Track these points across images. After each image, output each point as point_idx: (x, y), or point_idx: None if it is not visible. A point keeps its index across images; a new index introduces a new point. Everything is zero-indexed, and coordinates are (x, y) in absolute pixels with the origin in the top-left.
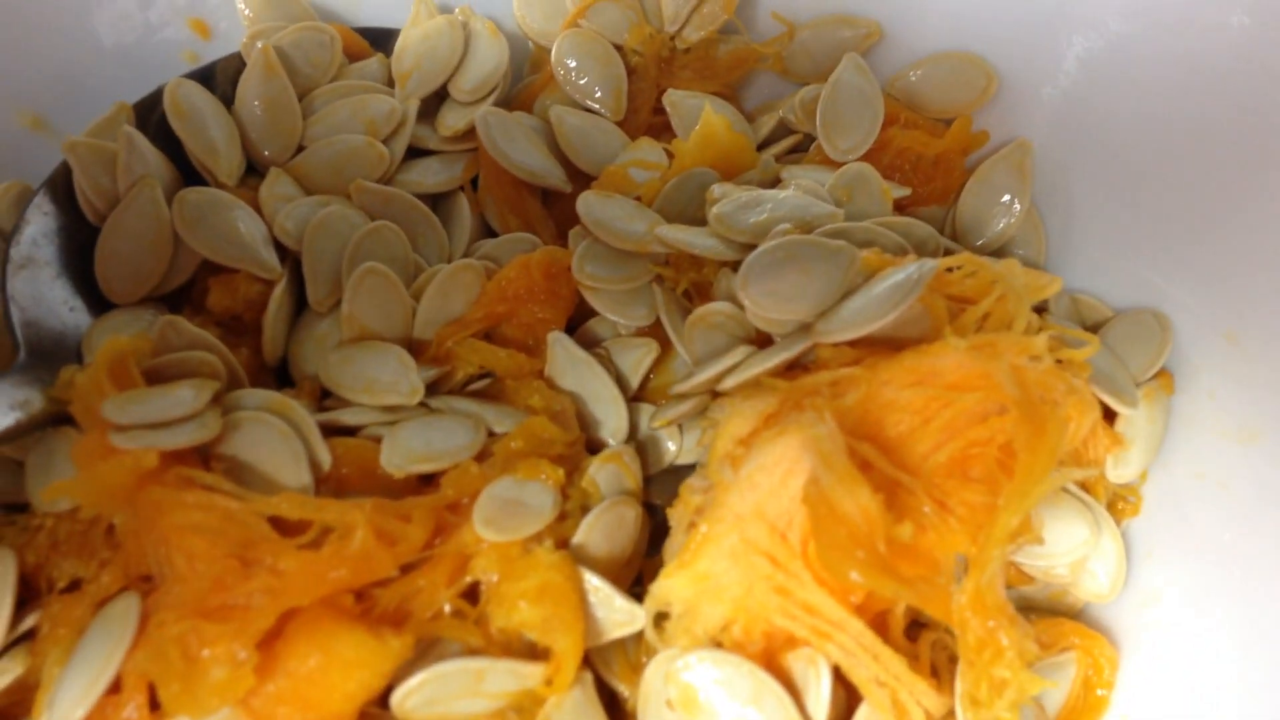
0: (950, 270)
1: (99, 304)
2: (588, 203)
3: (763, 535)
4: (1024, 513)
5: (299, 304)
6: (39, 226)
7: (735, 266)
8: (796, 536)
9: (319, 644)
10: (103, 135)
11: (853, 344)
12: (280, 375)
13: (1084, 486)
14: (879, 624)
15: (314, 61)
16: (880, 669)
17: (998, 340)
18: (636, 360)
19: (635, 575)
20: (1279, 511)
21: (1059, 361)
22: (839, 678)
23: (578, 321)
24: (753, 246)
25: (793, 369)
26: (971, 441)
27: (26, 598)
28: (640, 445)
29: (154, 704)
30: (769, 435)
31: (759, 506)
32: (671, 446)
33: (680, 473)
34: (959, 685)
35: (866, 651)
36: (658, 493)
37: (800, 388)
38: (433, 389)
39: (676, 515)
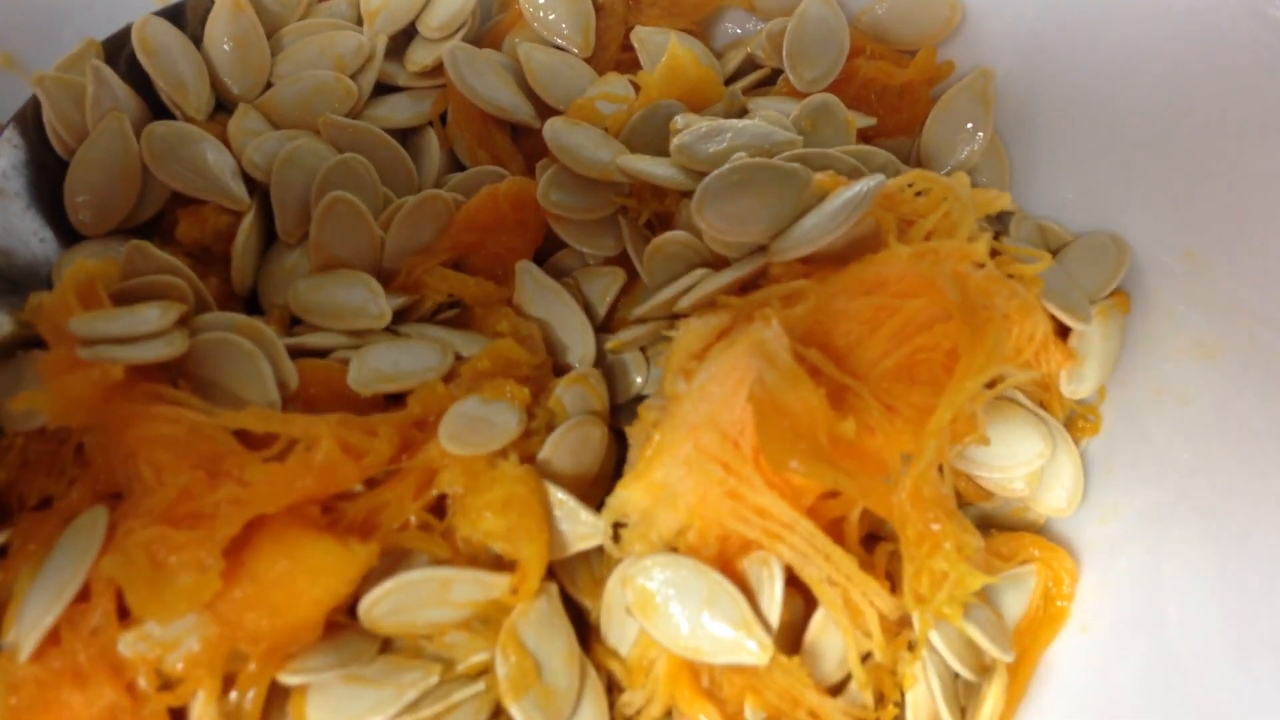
0: (904, 188)
1: (69, 235)
2: (555, 129)
3: (715, 442)
4: (958, 407)
5: (268, 236)
6: (9, 159)
7: None
8: (748, 443)
9: (285, 551)
10: (71, 70)
11: (805, 261)
12: (250, 306)
13: (1042, 404)
14: (834, 531)
15: None
16: (831, 568)
17: (940, 247)
18: (603, 288)
19: (604, 496)
20: (1238, 426)
21: (1010, 276)
22: (796, 585)
23: (547, 254)
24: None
25: (749, 288)
26: (918, 347)
27: None
28: (608, 371)
29: (122, 612)
30: (721, 347)
31: (711, 415)
32: (638, 379)
33: None
34: (905, 582)
35: (818, 552)
36: (626, 421)
37: (752, 302)
38: (402, 317)
39: (635, 433)
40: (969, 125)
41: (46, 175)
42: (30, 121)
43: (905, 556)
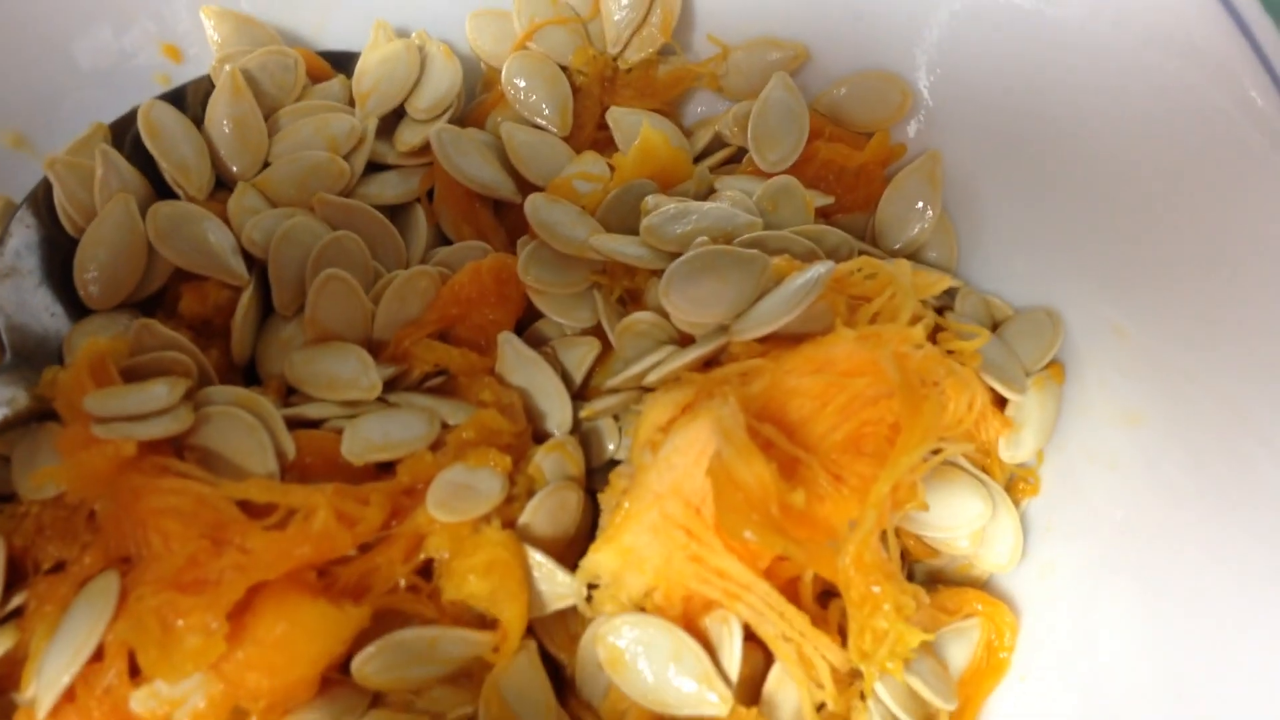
0: (854, 272)
1: (78, 310)
2: (535, 205)
3: (679, 510)
4: (897, 478)
5: (265, 309)
6: (21, 239)
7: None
8: (709, 511)
9: (285, 614)
10: (81, 153)
11: (762, 340)
12: (248, 376)
13: (984, 469)
14: (790, 590)
15: (279, 83)
16: (786, 625)
17: (882, 330)
18: (580, 358)
19: (580, 556)
20: (1164, 488)
21: (950, 352)
22: (756, 641)
23: (526, 323)
24: (678, 255)
25: (711, 364)
26: (864, 421)
27: (14, 579)
28: (584, 437)
29: (133, 670)
30: (684, 421)
31: (675, 485)
32: (611, 445)
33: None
34: (850, 639)
35: (773, 610)
36: (601, 484)
37: (713, 379)
38: (391, 386)
39: (606, 499)
40: (919, 204)
41: (57, 253)
42: (41, 202)
43: (850, 616)
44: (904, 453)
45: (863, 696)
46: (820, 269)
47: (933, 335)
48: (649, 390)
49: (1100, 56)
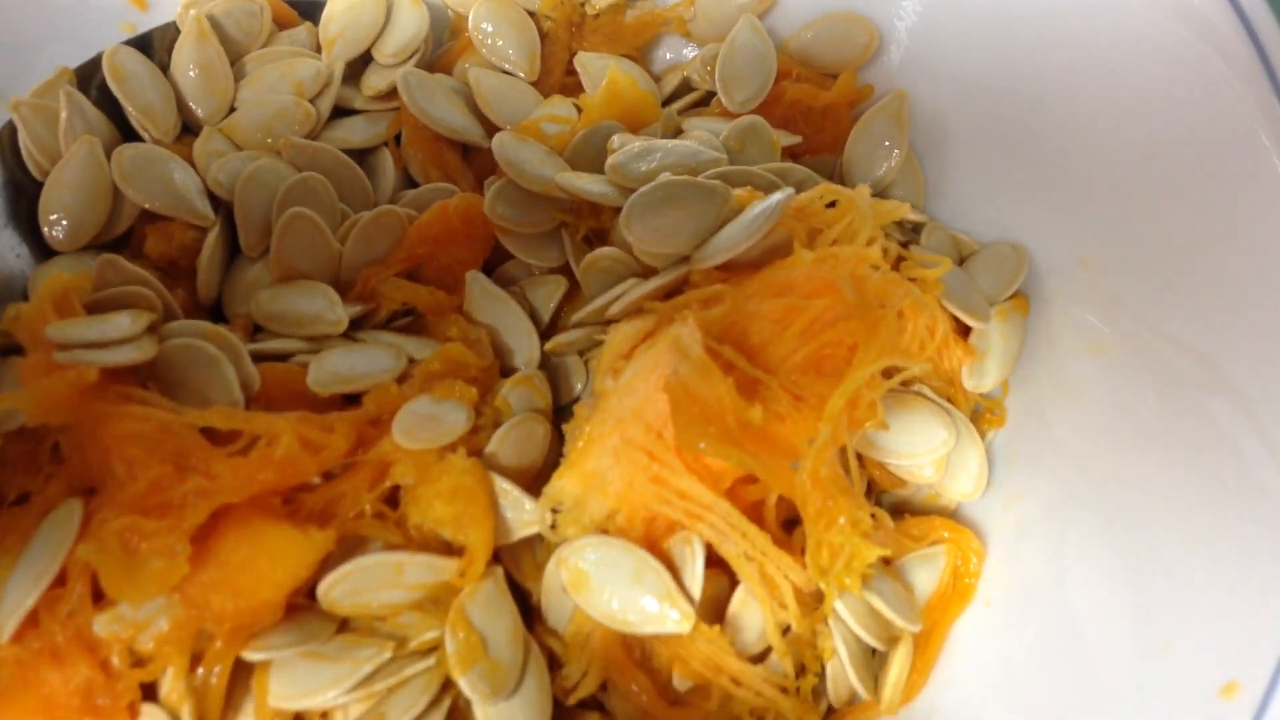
0: (815, 200)
1: (44, 252)
2: (503, 143)
3: (640, 433)
4: (851, 394)
5: (231, 250)
6: None
7: None
8: (669, 433)
9: (249, 538)
10: (46, 97)
11: (723, 269)
12: (214, 316)
13: (949, 399)
14: (755, 514)
15: (245, 29)
16: (748, 545)
17: (840, 252)
18: (547, 294)
19: None
20: (1127, 418)
21: (912, 279)
22: (717, 561)
23: (495, 265)
24: None
25: (673, 295)
26: (824, 343)
27: None
28: (552, 375)
29: (96, 595)
30: (645, 347)
31: (636, 409)
32: (578, 385)
33: None
34: (807, 555)
35: (735, 529)
36: (568, 419)
37: (674, 305)
38: (358, 324)
39: (570, 429)
40: (886, 143)
41: (22, 195)
42: (6, 145)
43: (807, 532)
44: (859, 369)
45: (827, 620)
46: (779, 195)
47: (896, 265)
48: (613, 323)
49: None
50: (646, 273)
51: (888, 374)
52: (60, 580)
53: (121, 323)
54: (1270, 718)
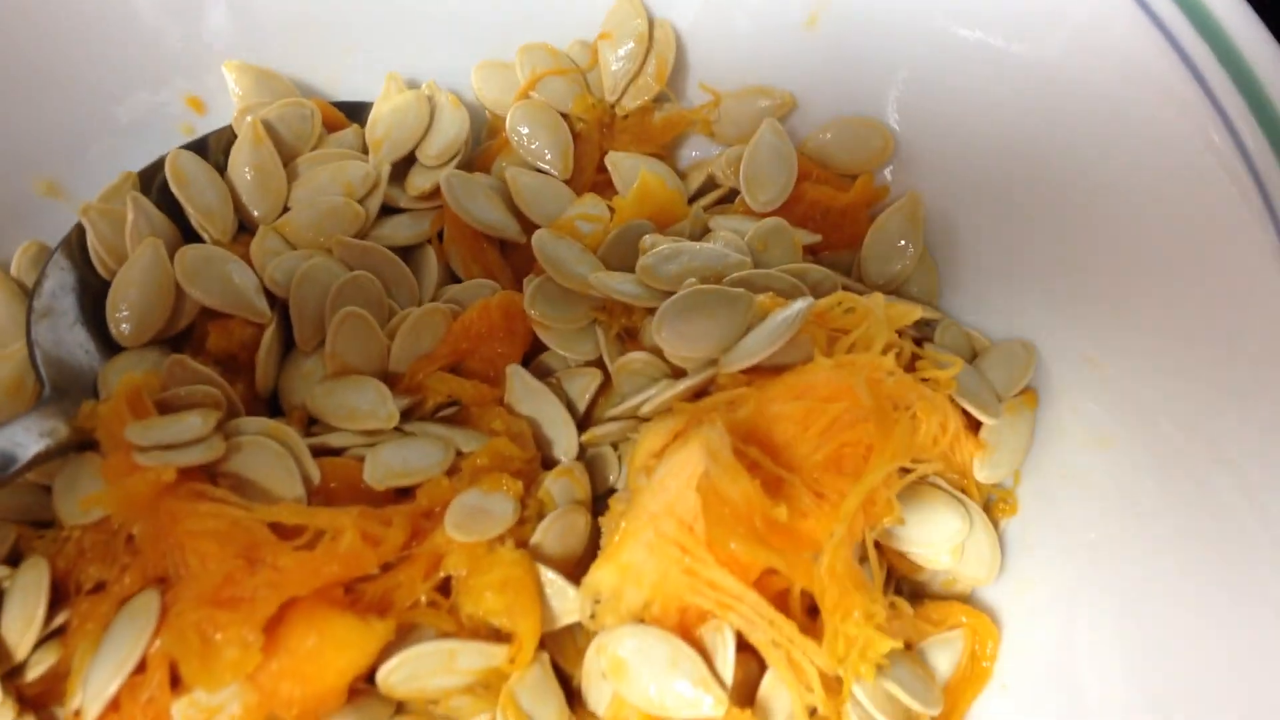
0: (834, 307)
1: (110, 347)
2: (542, 240)
3: (673, 528)
4: (866, 494)
5: (287, 345)
6: (57, 280)
7: None
8: (700, 528)
9: (315, 628)
10: (112, 200)
11: (747, 371)
12: (271, 408)
13: (963, 490)
14: (780, 602)
15: (297, 132)
16: (775, 632)
17: (857, 359)
18: (583, 387)
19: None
20: (1133, 508)
21: (926, 379)
22: (746, 647)
23: (532, 356)
24: (671, 293)
25: (700, 396)
26: (844, 443)
27: (56, 600)
28: (590, 465)
29: (173, 682)
30: (676, 446)
31: (669, 505)
32: (612, 476)
33: None
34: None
35: (763, 618)
36: (603, 510)
37: (702, 407)
38: (407, 416)
39: (606, 522)
40: (902, 242)
41: (89, 294)
42: (75, 246)
43: (824, 622)
44: (875, 469)
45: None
46: (800, 304)
47: (911, 365)
48: (645, 420)
49: (1068, 93)
50: (676, 374)
51: (904, 471)
52: (140, 668)
53: (194, 423)
54: None
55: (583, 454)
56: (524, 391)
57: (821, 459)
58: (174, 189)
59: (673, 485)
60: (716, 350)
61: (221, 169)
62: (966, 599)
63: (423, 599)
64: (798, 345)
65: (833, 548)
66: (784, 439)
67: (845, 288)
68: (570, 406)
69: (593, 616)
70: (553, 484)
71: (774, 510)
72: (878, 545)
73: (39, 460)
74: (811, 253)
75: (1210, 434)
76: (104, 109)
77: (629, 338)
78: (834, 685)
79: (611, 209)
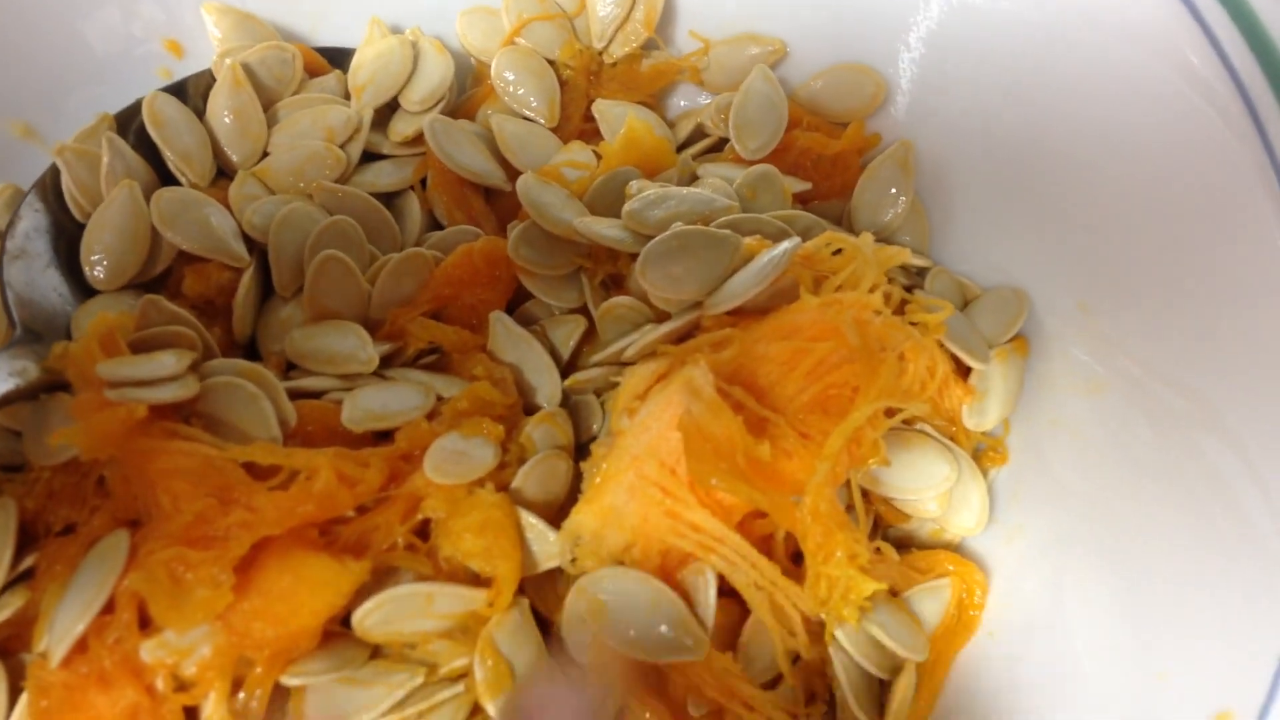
0: (821, 248)
1: (84, 291)
2: (527, 184)
3: (654, 470)
4: (850, 434)
5: (265, 290)
6: (31, 222)
7: None
8: (682, 469)
9: (288, 568)
10: (88, 142)
11: (732, 313)
12: (249, 354)
13: (951, 437)
14: (765, 546)
15: (277, 76)
16: (758, 575)
17: (843, 298)
18: (567, 334)
19: None
20: (1123, 457)
21: (915, 323)
22: (730, 592)
23: (516, 304)
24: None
25: (685, 339)
26: (830, 384)
27: (25, 542)
28: (573, 411)
29: (142, 622)
30: (659, 388)
31: (650, 446)
32: (595, 424)
33: None
34: (806, 586)
35: (745, 560)
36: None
37: (686, 349)
38: (387, 362)
39: (587, 466)
40: (893, 190)
41: (64, 237)
42: (50, 188)
43: (807, 564)
44: (859, 409)
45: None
46: (787, 244)
47: (900, 309)
48: (629, 365)
49: (1073, 55)
50: (660, 318)
51: (890, 413)
52: (108, 608)
53: (167, 361)
54: None
55: (566, 401)
56: (507, 338)
57: (807, 400)
58: (151, 132)
59: (655, 427)
60: (701, 292)
61: (200, 113)
62: (954, 548)
63: (400, 542)
64: (784, 288)
65: (816, 487)
66: (769, 380)
67: None
68: (554, 353)
69: (573, 561)
70: (534, 429)
71: (757, 448)
72: (864, 493)
73: (8, 400)
74: (801, 201)
75: (1199, 382)
76: (72, 36)
77: (614, 285)
78: (817, 631)
79: (599, 155)
